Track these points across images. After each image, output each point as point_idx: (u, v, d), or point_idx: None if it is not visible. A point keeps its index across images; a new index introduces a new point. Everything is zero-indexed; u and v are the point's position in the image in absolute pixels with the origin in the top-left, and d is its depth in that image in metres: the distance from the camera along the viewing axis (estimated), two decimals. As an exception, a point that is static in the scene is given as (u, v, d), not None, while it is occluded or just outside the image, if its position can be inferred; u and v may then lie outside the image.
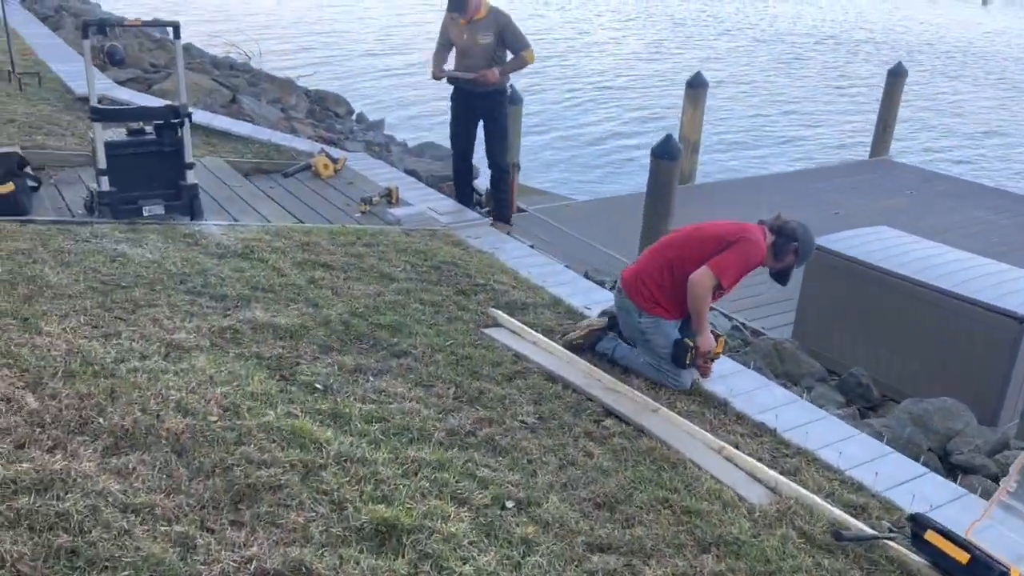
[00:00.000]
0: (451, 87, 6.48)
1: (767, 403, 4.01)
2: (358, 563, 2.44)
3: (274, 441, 3.00)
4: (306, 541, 2.51)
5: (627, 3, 36.57)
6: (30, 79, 7.76)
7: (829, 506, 3.15)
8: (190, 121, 5.16)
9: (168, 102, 7.58)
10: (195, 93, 8.66)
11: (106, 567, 2.24)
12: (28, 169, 5.34)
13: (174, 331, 3.73)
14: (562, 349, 4.25)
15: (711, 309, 4.70)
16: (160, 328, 3.74)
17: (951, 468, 4.25)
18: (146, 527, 2.43)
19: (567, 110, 16.39)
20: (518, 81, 9.18)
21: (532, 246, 6.54)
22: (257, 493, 2.68)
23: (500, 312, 4.63)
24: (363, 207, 6.39)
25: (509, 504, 2.90)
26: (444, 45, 6.36)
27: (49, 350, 3.32)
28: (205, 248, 4.84)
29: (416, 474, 2.98)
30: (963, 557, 2.74)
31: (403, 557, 2.50)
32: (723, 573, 2.73)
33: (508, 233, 6.51)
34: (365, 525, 2.61)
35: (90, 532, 2.35)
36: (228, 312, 4.07)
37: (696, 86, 9.76)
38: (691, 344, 3.95)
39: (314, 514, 2.63)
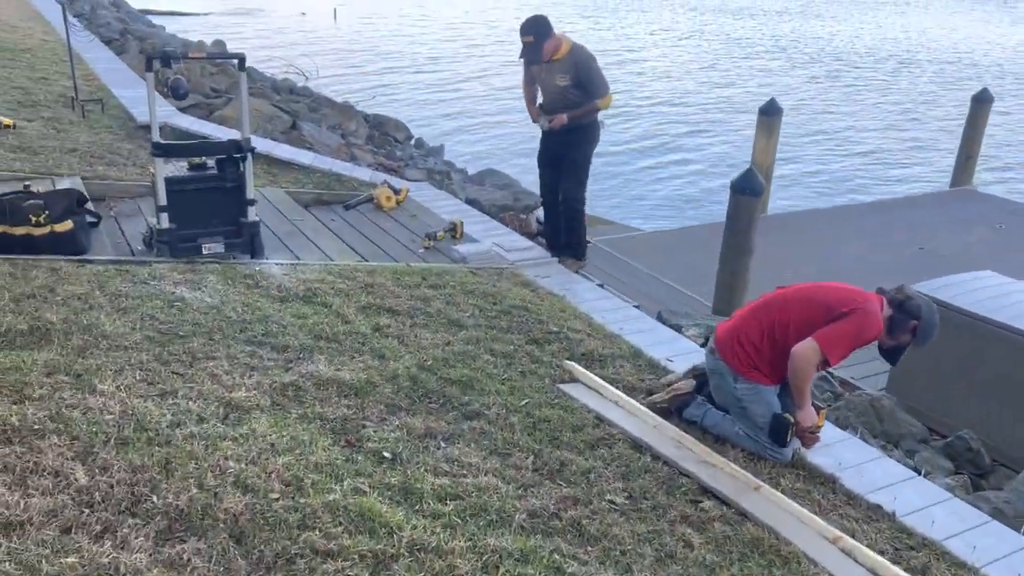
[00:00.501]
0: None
1: (880, 479, 3.60)
2: None
3: (340, 524, 2.71)
4: (380, 661, 2.20)
5: (679, 22, 36.17)
6: (93, 106, 7.70)
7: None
8: (252, 156, 4.95)
9: (230, 133, 7.47)
10: (255, 119, 8.53)
11: None
12: (89, 204, 5.19)
13: (233, 388, 3.48)
14: (647, 411, 3.90)
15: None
16: (219, 384, 3.49)
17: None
18: (201, 642, 2.14)
19: (627, 133, 16.02)
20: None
21: (602, 285, 6.21)
22: (324, 596, 2.38)
23: (576, 365, 4.29)
24: (427, 243, 6.13)
25: (605, 611, 2.56)
26: (528, 81, 6.00)
27: (102, 412, 3.08)
28: (266, 291, 4.61)
29: (497, 568, 2.66)
30: None
31: None
32: None
33: (578, 271, 6.17)
34: (446, 640, 2.29)
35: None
36: (290, 365, 3.81)
37: (770, 113, 9.34)
38: (791, 420, 3.56)
39: (388, 625, 2.32)
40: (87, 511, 2.55)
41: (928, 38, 34.21)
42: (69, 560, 2.31)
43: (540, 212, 9.39)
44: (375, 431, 3.37)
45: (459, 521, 2.86)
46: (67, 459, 2.77)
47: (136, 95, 8.15)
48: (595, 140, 5.97)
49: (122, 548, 2.41)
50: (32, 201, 4.48)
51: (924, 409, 5.21)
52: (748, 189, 6.33)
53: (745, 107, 19.12)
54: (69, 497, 2.59)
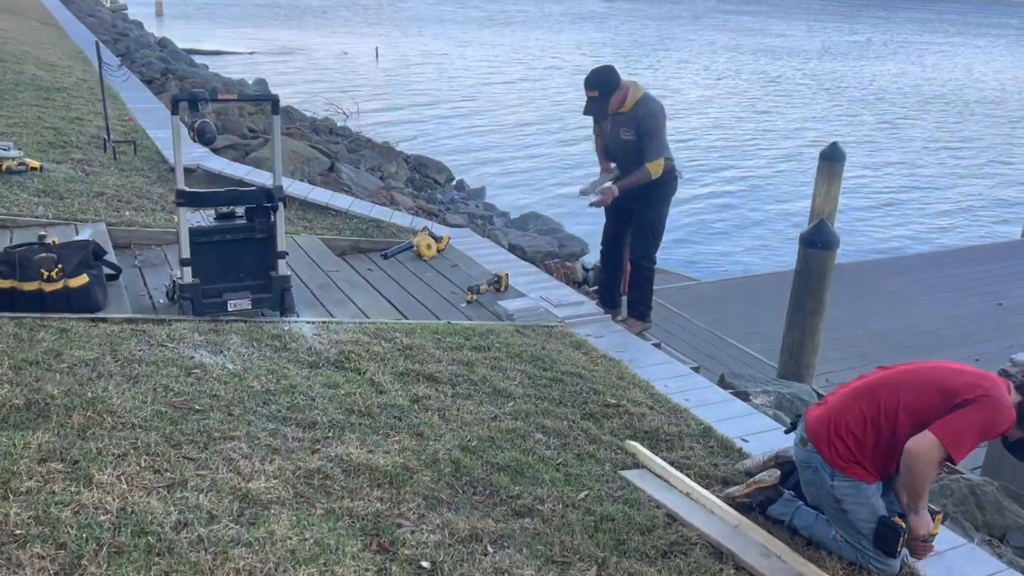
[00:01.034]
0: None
1: (1007, 601, 3.02)
2: None
3: (370, 665, 2.22)
4: None
5: (716, 62, 35.79)
6: (126, 147, 7.44)
7: None
8: (285, 206, 4.56)
9: (265, 176, 7.14)
10: (293, 161, 8.23)
11: None
12: (111, 255, 4.83)
13: (251, 476, 3.03)
14: (725, 507, 3.37)
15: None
16: (235, 472, 3.04)
17: None
18: None
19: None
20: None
21: (659, 344, 5.70)
22: None
23: (640, 447, 3.78)
24: (470, 296, 5.68)
25: None
26: (598, 133, 5.41)
27: (97, 511, 2.64)
28: (294, 354, 4.17)
29: None
30: None
31: None
32: None
33: (640, 333, 5.66)
34: None
35: None
36: (317, 446, 3.35)
37: (833, 159, 8.81)
38: (902, 527, 3.01)
39: None
40: (63, 650, 2.10)
41: (974, 78, 33.39)
42: None
43: (585, 259, 8.93)
44: (412, 532, 2.89)
45: (513, 660, 2.36)
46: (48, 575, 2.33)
47: (170, 136, 7.88)
48: (671, 195, 5.33)
49: None
50: (44, 254, 4.12)
51: (1031, 496, 4.59)
52: (820, 242, 5.81)
53: (796, 150, 18.57)
54: (44, 630, 2.15)
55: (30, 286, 4.09)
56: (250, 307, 4.59)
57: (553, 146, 17.88)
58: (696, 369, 5.64)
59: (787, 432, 3.58)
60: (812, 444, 3.22)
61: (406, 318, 5.24)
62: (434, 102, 22.44)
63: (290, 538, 2.70)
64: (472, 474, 3.37)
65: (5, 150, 6.44)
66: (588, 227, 11.57)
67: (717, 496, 3.48)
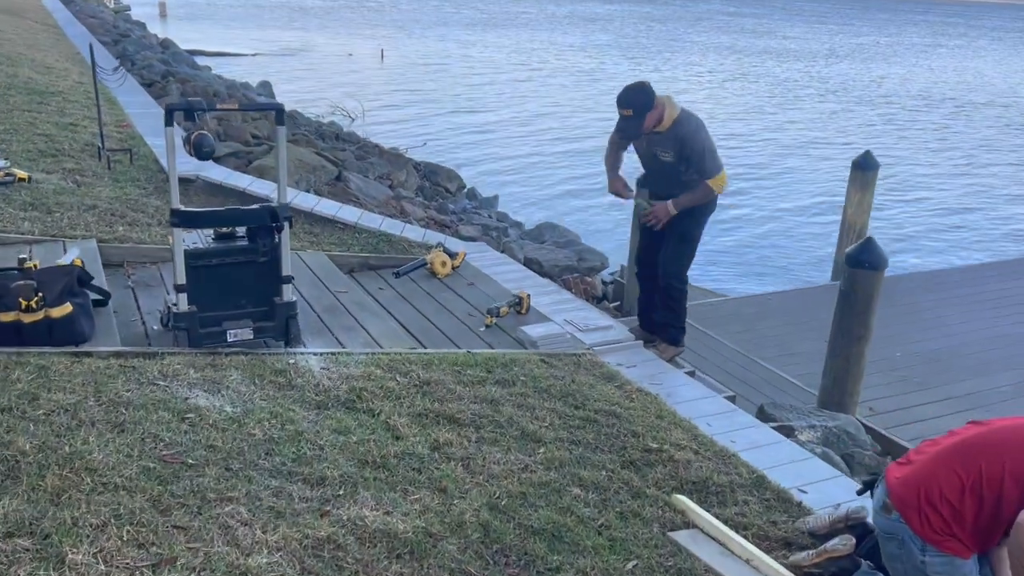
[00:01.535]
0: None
1: None
2: None
3: None
4: None
5: (723, 64, 35.34)
6: (121, 155, 7.02)
7: None
8: (291, 225, 4.14)
9: (269, 186, 6.72)
10: (298, 170, 7.82)
11: None
12: (102, 277, 4.41)
13: (251, 549, 2.61)
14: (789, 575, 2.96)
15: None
16: (232, 544, 2.62)
17: None
18: None
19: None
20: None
21: (693, 373, 5.27)
22: None
23: (689, 503, 3.36)
24: (490, 320, 5.26)
25: None
26: (619, 146, 4.91)
27: (67, 604, 2.23)
28: (301, 393, 3.75)
29: None
30: None
31: None
32: None
33: (672, 359, 5.24)
34: None
35: None
36: (327, 506, 2.93)
37: (865, 168, 8.36)
38: (1011, 610, 2.58)
39: None
40: None
41: (985, 81, 32.90)
42: None
43: (604, 273, 8.50)
44: (439, 620, 2.47)
45: None
46: None
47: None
48: (710, 213, 4.91)
49: None
50: (23, 281, 3.70)
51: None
52: (868, 262, 5.36)
53: (813, 154, 18.13)
54: None
55: (7, 317, 3.67)
56: (252, 337, 4.17)
57: (562, 150, 17.46)
58: (732, 398, 5.23)
59: (860, 493, 3.15)
60: (899, 512, 2.78)
61: (422, 345, 4.82)
62: (440, 104, 22.03)
63: (297, 633, 2.29)
64: (504, 540, 2.95)
65: (-8, 160, 6.04)
66: (605, 235, 11.17)
67: (782, 564, 3.06)
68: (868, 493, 3.07)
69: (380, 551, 2.76)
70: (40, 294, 3.70)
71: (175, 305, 4.03)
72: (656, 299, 5.17)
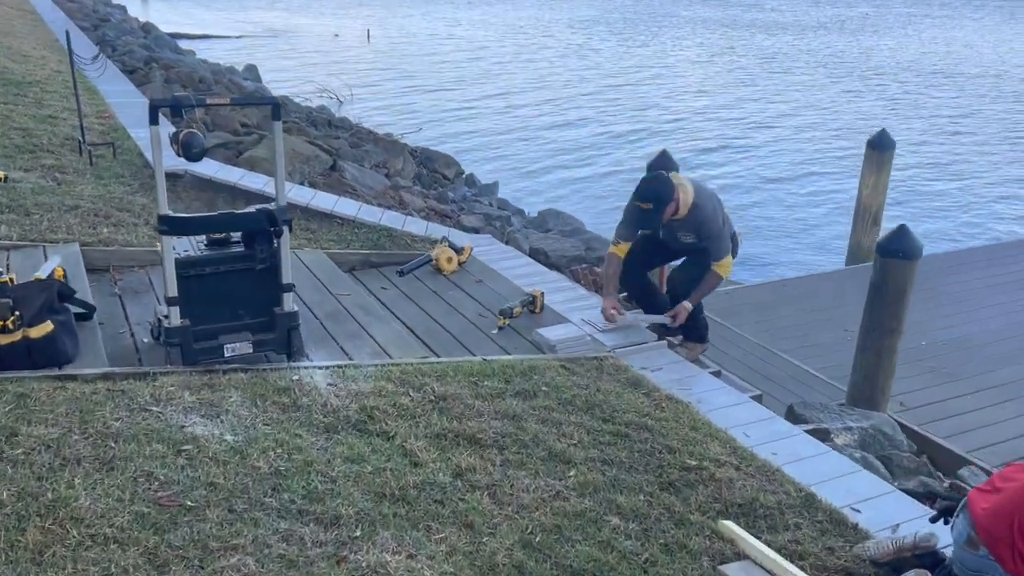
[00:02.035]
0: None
1: None
2: None
3: None
4: None
5: (711, 38, 34.87)
6: (104, 150, 6.63)
7: None
8: (291, 229, 3.80)
9: (261, 179, 6.35)
10: (291, 160, 7.44)
11: None
12: (87, 289, 4.06)
13: (262, 611, 2.30)
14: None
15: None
16: (241, 605, 2.31)
17: None
18: None
19: (698, 167, 14.70)
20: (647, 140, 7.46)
21: (718, 372, 4.98)
22: None
23: (738, 530, 3.07)
24: (503, 321, 4.94)
25: None
26: (626, 236, 4.80)
27: None
28: (307, 415, 3.43)
29: None
30: None
31: None
32: None
33: (697, 357, 4.95)
34: None
35: None
36: (343, 551, 2.63)
37: (881, 147, 8.05)
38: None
39: None
40: None
41: (974, 51, 32.51)
42: None
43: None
44: None
45: None
46: None
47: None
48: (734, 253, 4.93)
49: None
50: (-2, 299, 3.36)
51: None
52: (901, 251, 5.07)
53: (816, 133, 17.79)
54: None
55: (-19, 339, 3.33)
56: (251, 351, 3.84)
57: (553, 127, 17.09)
58: (759, 398, 4.95)
59: (933, 521, 2.86)
60: (987, 548, 2.50)
61: (433, 353, 4.51)
62: (430, 84, 21.58)
63: None
64: (541, 584, 2.65)
65: (-35, 157, 5.66)
66: (608, 220, 10.84)
67: (847, 597, 2.77)
68: (942, 521, 2.79)
69: (406, 604, 2.46)
70: (17, 312, 3.36)
71: (166, 318, 3.70)
72: (651, 300, 5.07)
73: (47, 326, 3.44)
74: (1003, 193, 13.97)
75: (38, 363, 3.45)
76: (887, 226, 9.68)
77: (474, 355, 4.53)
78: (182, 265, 3.69)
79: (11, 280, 3.69)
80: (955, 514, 2.66)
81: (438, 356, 4.46)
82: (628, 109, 19.07)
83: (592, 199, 11.83)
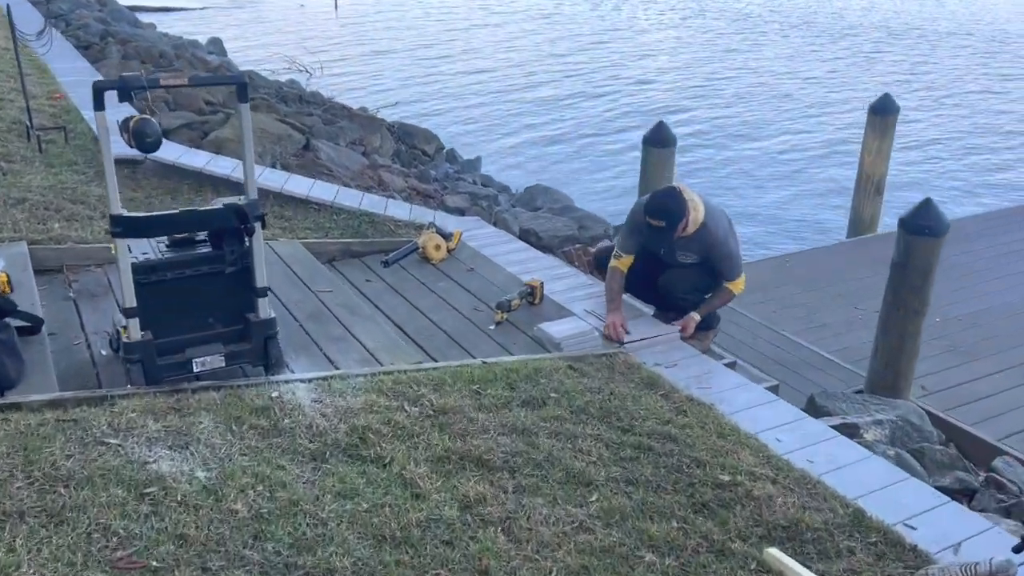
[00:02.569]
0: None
1: None
2: None
3: None
4: None
5: (682, 0, 34.18)
6: (55, 134, 6.09)
7: None
8: (264, 225, 3.35)
9: (231, 164, 5.84)
10: (261, 140, 6.94)
11: None
12: (35, 303, 3.58)
13: None
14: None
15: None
16: None
17: None
18: None
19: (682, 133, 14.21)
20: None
21: (733, 363, 4.61)
22: None
23: (785, 560, 2.70)
24: (500, 316, 4.53)
25: None
26: (628, 249, 4.46)
27: None
28: (291, 440, 3.01)
29: None
30: None
31: None
32: None
33: (708, 349, 4.59)
34: None
35: None
36: (341, 616, 2.22)
37: (884, 113, 7.66)
38: None
39: None
40: None
41: (947, 10, 32.13)
42: None
43: (607, 241, 7.77)
44: None
45: None
46: None
47: (110, 116, 6.53)
48: None
49: None
50: (-76, 320, 2.89)
51: None
52: (928, 227, 4.70)
53: (801, 98, 17.39)
54: None
55: (-95, 366, 2.86)
56: (224, 365, 3.40)
57: (535, 98, 16.55)
58: (776, 388, 4.60)
59: (1017, 551, 2.51)
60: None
61: (427, 355, 4.10)
62: (401, 54, 20.87)
63: None
64: (574, 644, 2.27)
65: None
66: (597, 193, 10.42)
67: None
68: (1028, 552, 2.44)
69: None
70: (-53, 334, 2.89)
71: (124, 331, 3.24)
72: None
73: (-16, 348, 2.97)
74: (1009, 158, 13.62)
75: (-25, 390, 2.99)
76: (888, 198, 9.33)
77: (473, 357, 4.13)
78: (140, 271, 3.23)
79: (-58, 294, 3.22)
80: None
81: (433, 360, 4.05)
82: (607, 78, 18.54)
83: (577, 172, 11.39)
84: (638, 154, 6.79)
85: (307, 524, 2.56)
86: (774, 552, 2.75)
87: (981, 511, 3.92)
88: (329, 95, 10.94)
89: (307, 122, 7.97)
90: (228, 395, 3.24)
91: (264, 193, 5.72)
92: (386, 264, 5.06)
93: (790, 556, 2.76)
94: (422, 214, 6.07)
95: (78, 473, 2.64)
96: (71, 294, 4.30)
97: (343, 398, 3.35)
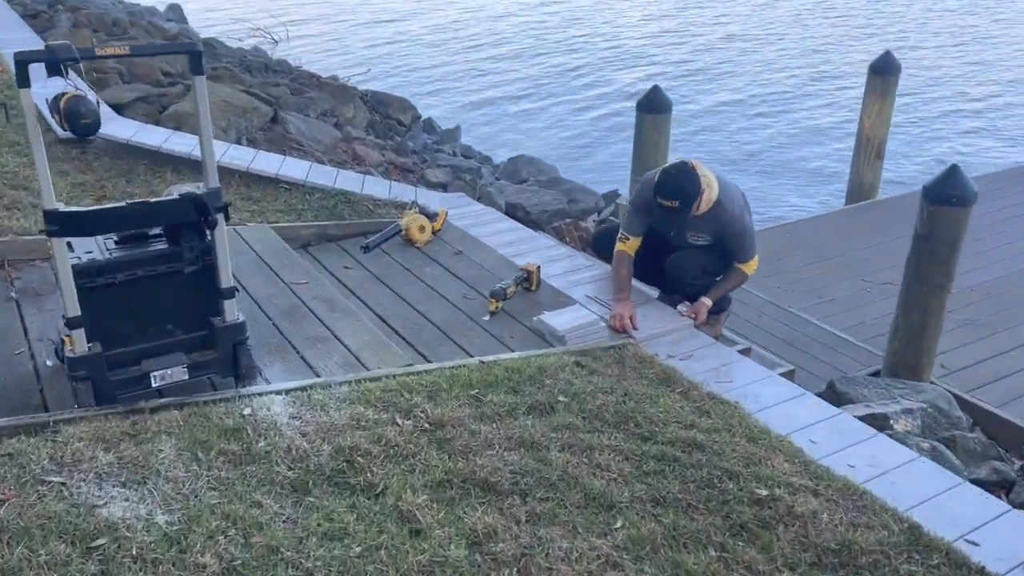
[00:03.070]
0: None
1: None
2: None
3: None
4: None
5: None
6: (-4, 112, 5.54)
7: None
8: (227, 217, 2.90)
9: (189, 145, 5.31)
10: (225, 114, 6.42)
11: None
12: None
13: None
14: None
15: None
16: None
17: None
18: None
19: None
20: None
21: (748, 349, 4.25)
22: None
23: (845, 593, 2.35)
24: (494, 305, 4.12)
25: None
26: (636, 231, 4.11)
27: None
28: (267, 467, 2.60)
29: None
30: None
31: None
32: None
33: (718, 335, 4.23)
34: None
35: None
36: None
37: (885, 72, 7.27)
38: None
39: None
40: None
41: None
42: None
43: (600, 221, 7.38)
44: None
45: None
46: None
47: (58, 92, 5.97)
48: None
49: None
50: None
51: None
52: (955, 196, 4.33)
53: (813, 58, 16.87)
54: None
55: None
56: (187, 377, 2.97)
57: (513, 62, 15.99)
58: (791, 373, 4.26)
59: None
60: None
61: (418, 353, 3.69)
62: (368, 18, 20.12)
63: None
64: None
65: None
66: (582, 160, 9.97)
67: None
68: None
69: None
70: None
71: (70, 347, 2.79)
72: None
73: (-101, 371, 2.52)
74: (1002, 117, 13.24)
75: None
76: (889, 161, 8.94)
77: (467, 353, 3.72)
78: (84, 273, 2.78)
79: None
80: None
81: (424, 358, 3.65)
82: (591, 38, 17.95)
83: (562, 140, 10.91)
84: (623, 119, 6.40)
85: (289, 575, 2.17)
86: (829, 584, 2.40)
87: (1021, 505, 3.63)
88: (297, 63, 10.35)
89: (274, 93, 7.44)
90: (192, 414, 2.82)
91: (229, 172, 5.26)
92: (366, 249, 4.62)
93: (846, 586, 2.41)
94: (403, 191, 5.62)
95: (12, 524, 2.22)
96: (13, 294, 3.82)
97: (325, 412, 2.94)
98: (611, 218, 7.03)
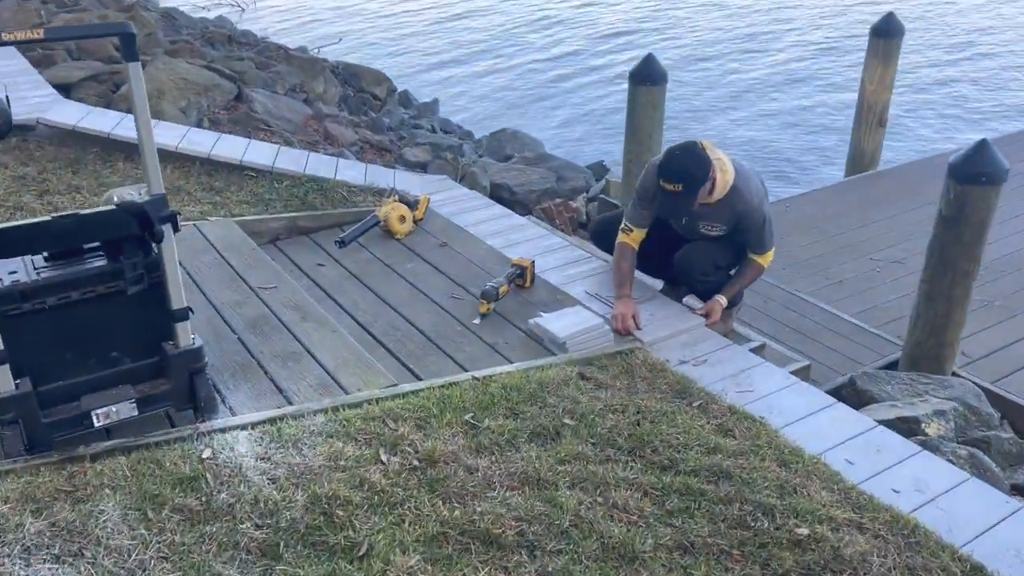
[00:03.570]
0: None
1: None
2: None
3: None
4: None
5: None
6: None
7: None
8: (176, 227, 2.47)
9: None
10: (186, 93, 5.93)
11: None
12: None
13: None
14: None
15: None
16: None
17: None
18: None
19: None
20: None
21: (762, 346, 3.90)
22: None
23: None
24: (486, 306, 3.73)
25: None
26: (640, 221, 3.72)
27: None
28: (230, 526, 2.21)
29: None
30: None
31: None
32: None
33: (729, 330, 3.88)
34: None
35: None
36: None
37: (887, 34, 6.86)
38: None
39: None
40: None
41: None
42: None
43: (592, 191, 6.97)
44: None
45: None
46: None
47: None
48: None
49: None
50: None
51: None
52: (985, 175, 3.97)
53: (808, 20, 16.35)
54: None
55: None
56: (136, 413, 2.56)
57: (491, 27, 15.41)
58: (807, 369, 3.92)
59: None
60: None
61: (402, 364, 3.30)
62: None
63: None
64: None
65: None
66: (568, 141, 9.52)
67: None
68: None
69: None
70: None
71: (-6, 384, 2.37)
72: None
73: None
74: (996, 85, 12.84)
75: None
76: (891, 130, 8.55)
77: (460, 366, 3.34)
78: (5, 299, 2.35)
79: None
80: None
81: (410, 371, 3.26)
82: (577, 6, 17.37)
83: (547, 112, 10.42)
84: (612, 89, 5.96)
85: None
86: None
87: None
88: (263, 34, 9.79)
89: (238, 67, 6.92)
90: (141, 461, 2.42)
91: (189, 160, 4.81)
92: (342, 243, 4.19)
93: (911, 651, 2.07)
94: (380, 175, 5.18)
95: (-85, 623, 1.82)
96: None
97: (299, 450, 2.54)
98: (603, 196, 6.62)
